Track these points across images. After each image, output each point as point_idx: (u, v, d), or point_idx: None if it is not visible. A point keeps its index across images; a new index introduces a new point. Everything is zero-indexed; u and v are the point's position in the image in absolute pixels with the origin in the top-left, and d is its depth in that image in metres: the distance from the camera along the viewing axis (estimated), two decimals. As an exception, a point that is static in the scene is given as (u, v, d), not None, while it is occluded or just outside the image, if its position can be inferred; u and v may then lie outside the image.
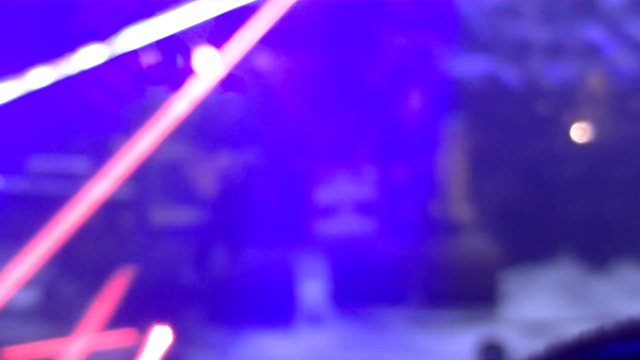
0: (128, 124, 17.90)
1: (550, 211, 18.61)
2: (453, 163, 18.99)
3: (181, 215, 17.98)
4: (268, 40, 17.23)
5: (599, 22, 21.12)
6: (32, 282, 16.65)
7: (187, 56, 14.18)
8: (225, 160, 17.59)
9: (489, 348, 15.38)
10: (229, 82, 14.62)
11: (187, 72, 14.64)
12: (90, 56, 14.78)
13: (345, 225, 18.66)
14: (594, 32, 20.81)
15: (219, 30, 14.23)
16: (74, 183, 17.17)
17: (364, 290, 17.18)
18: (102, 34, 14.99)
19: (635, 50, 20.76)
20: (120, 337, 15.00)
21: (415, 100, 18.57)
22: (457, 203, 19.08)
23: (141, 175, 18.00)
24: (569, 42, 20.83)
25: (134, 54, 14.24)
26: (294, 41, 18.97)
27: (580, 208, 18.57)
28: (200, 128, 17.86)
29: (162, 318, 14.86)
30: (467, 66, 20.62)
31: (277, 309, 16.57)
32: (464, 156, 19.05)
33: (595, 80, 19.38)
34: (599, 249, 18.41)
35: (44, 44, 15.19)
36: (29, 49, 15.57)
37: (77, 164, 17.65)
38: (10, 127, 15.47)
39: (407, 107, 18.59)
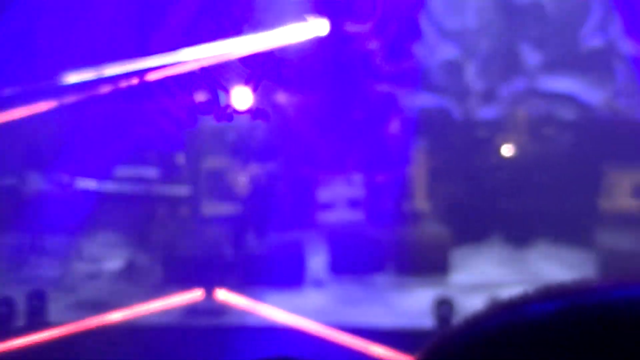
0: (185, 142, 19.01)
1: (486, 206, 19.27)
2: (417, 172, 19.68)
3: (223, 209, 18.60)
4: (285, 81, 18.40)
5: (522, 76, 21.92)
6: (118, 256, 17.70)
7: (227, 93, 15.52)
8: (254, 169, 18.24)
9: (442, 303, 15.42)
10: (257, 113, 15.85)
11: (227, 105, 15.95)
12: (160, 92, 16.10)
13: (340, 215, 19.26)
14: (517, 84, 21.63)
15: (251, 74, 15.55)
16: (147, 185, 18.16)
17: (353, 262, 17.50)
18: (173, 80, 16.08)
19: (546, 96, 21.61)
20: (181, 296, 15.79)
21: (391, 127, 19.37)
22: (420, 200, 19.66)
23: (195, 179, 18.99)
24: (499, 89, 21.70)
25: (190, 92, 15.60)
26: (302, 84, 19.95)
27: (507, 203, 19.15)
28: (237, 146, 18.62)
29: (209, 283, 15.94)
30: (428, 104, 21.48)
31: (291, 276, 16.91)
32: (425, 167, 19.72)
33: (517, 115, 20.14)
34: (521, 232, 18.93)
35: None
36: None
37: (149, 171, 18.43)
38: (103, 147, 16.57)
39: (385, 132, 19.40)
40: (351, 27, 20.30)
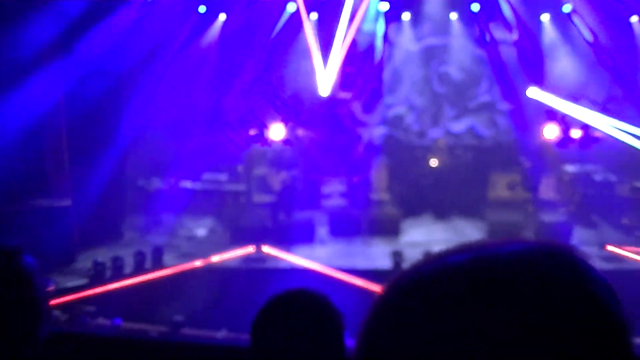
0: (243, 158, 19.41)
1: (421, 195, 19.69)
2: (379, 176, 19.82)
3: (265, 198, 18.71)
4: (303, 122, 18.67)
5: (441, 120, 22.40)
6: (204, 226, 18.21)
7: (268, 129, 15.82)
8: (283, 175, 18.49)
9: (395, 254, 15.54)
10: (286, 141, 16.37)
11: (268, 136, 16.19)
12: (228, 127, 15.80)
13: (335, 202, 19.56)
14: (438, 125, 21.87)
15: (283, 117, 15.80)
16: (220, 184, 18.74)
17: (343, 229, 17.63)
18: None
19: (456, 131, 21.82)
20: (241, 250, 16.20)
21: (363, 148, 19.98)
22: (381, 192, 19.73)
23: (248, 180, 19.16)
24: (428, 127, 21.71)
25: (246, 128, 15.65)
26: (313, 124, 20.48)
27: (434, 193, 19.59)
28: (273, 160, 19.07)
29: (258, 242, 16.31)
30: (387, 135, 21.69)
31: (306, 238, 17.25)
32: (384, 173, 19.97)
33: (439, 142, 20.38)
34: (443, 210, 19.33)
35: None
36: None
37: (222, 176, 18.87)
38: (195, 161, 16.59)
39: (360, 152, 19.99)
40: (341, 94, 20.98)
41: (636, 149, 18.56)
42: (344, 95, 21.28)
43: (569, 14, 20.01)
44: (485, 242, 1.25)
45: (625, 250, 15.83)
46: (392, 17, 21.08)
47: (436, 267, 1.20)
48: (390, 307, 1.18)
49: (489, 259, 1.17)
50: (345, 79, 21.15)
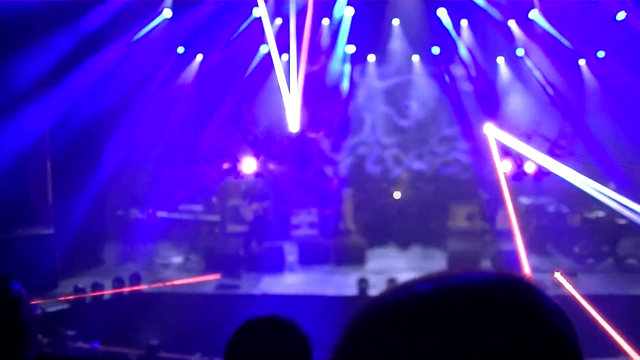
0: (217, 190, 19.72)
1: (386, 225, 19.89)
2: (347, 207, 20.18)
3: (238, 228, 18.89)
4: (274, 156, 18.98)
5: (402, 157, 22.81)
6: (179, 255, 18.52)
7: (240, 162, 16.15)
8: (256, 206, 18.92)
9: (361, 281, 15.73)
10: (258, 174, 16.81)
11: (240, 170, 16.56)
12: (203, 161, 16.33)
13: (304, 232, 19.70)
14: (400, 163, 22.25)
15: (255, 152, 16.14)
16: (196, 215, 18.90)
17: (312, 258, 17.78)
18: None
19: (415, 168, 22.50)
20: (214, 277, 16.40)
21: (332, 182, 20.45)
22: (349, 222, 20.13)
23: (223, 211, 19.43)
24: (391, 165, 22.14)
25: (220, 162, 16.07)
26: (284, 159, 20.95)
27: (398, 223, 19.82)
28: (246, 192, 19.30)
29: (231, 269, 16.55)
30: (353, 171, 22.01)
31: (276, 266, 17.42)
32: (351, 204, 20.35)
33: (402, 176, 20.97)
34: (406, 240, 19.50)
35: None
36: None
37: (197, 207, 19.15)
38: (171, 192, 16.98)
39: (329, 185, 20.45)
40: (310, 134, 21.49)
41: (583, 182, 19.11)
42: (313, 135, 21.87)
43: (522, 57, 21.02)
44: (448, 272, 1.29)
45: (576, 277, 16.29)
46: (358, 58, 21.89)
47: (402, 295, 1.23)
48: (359, 334, 1.20)
49: (451, 288, 1.21)
50: (314, 118, 21.84)
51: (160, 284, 16.20)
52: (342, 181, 20.94)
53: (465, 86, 22.05)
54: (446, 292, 1.20)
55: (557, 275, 16.12)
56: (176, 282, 16.34)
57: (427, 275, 1.28)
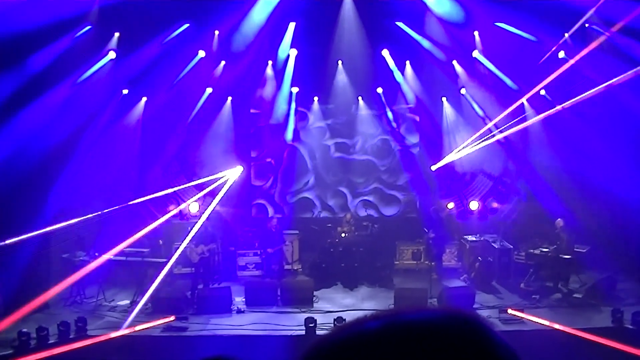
0: (163, 232, 19.61)
1: (331, 265, 19.84)
2: (292, 247, 20.50)
3: (185, 270, 19.41)
4: (221, 199, 18.71)
5: (350, 196, 23.27)
6: (126, 297, 18.39)
7: (187, 205, 15.78)
8: (202, 248, 18.54)
9: (309, 321, 15.60)
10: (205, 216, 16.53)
11: (187, 212, 16.15)
12: (149, 206, 16.22)
13: (251, 273, 20.11)
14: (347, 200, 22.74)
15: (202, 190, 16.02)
16: (143, 257, 18.61)
17: (258, 299, 17.70)
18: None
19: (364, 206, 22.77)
20: (162, 319, 16.33)
21: (275, 223, 20.57)
22: (295, 263, 20.60)
23: (169, 253, 19.47)
24: (336, 203, 22.76)
25: (166, 205, 15.87)
26: (229, 202, 20.96)
27: (344, 263, 19.74)
28: (192, 234, 19.10)
29: (179, 312, 16.58)
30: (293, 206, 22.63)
31: (224, 307, 17.28)
32: (297, 244, 20.73)
33: (347, 216, 21.12)
34: (352, 279, 19.54)
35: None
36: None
37: (144, 249, 19.00)
38: (117, 235, 16.77)
39: (272, 226, 20.34)
40: (255, 182, 21.77)
41: (529, 218, 19.61)
42: (258, 183, 22.49)
43: (465, 96, 21.79)
44: (397, 309, 1.34)
45: (522, 312, 16.59)
46: (303, 98, 22.51)
47: (352, 333, 1.27)
48: None
49: (400, 325, 1.26)
50: (259, 166, 22.54)
51: (115, 333, 16.04)
52: (287, 222, 21.20)
53: (410, 125, 22.84)
54: (395, 329, 1.26)
55: (510, 311, 16.49)
56: (123, 330, 16.21)
57: (377, 313, 1.34)
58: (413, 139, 23.03)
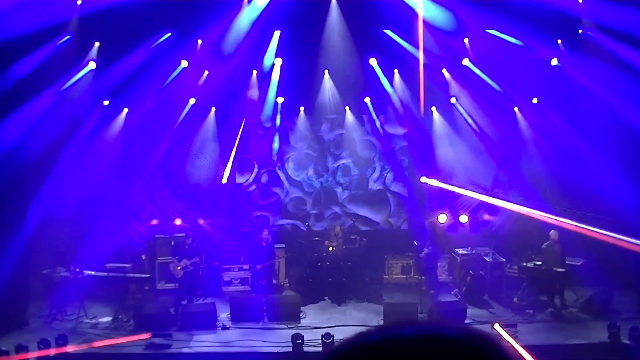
0: (147, 247, 19.91)
1: (319, 280, 20.13)
2: (279, 262, 20.70)
3: (168, 285, 19.71)
4: (203, 211, 18.93)
5: (337, 206, 23.40)
6: (108, 314, 18.45)
7: (172, 220, 15.98)
8: (185, 262, 18.78)
9: (296, 337, 15.81)
10: (189, 230, 16.82)
11: (172, 225, 16.49)
12: (131, 219, 16.56)
13: (237, 288, 20.38)
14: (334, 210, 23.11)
15: (183, 209, 16.26)
16: (125, 272, 18.81)
17: (244, 314, 17.93)
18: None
19: (351, 216, 23.21)
20: (144, 336, 16.50)
21: (263, 235, 20.31)
22: (282, 278, 20.85)
23: (152, 268, 19.96)
24: (325, 213, 23.28)
25: (150, 219, 16.21)
26: (214, 212, 21.20)
27: (331, 278, 20.02)
28: (176, 249, 19.25)
29: (161, 328, 16.68)
30: (285, 222, 23.09)
31: (208, 323, 17.49)
32: (283, 258, 20.90)
33: (335, 228, 21.29)
34: (340, 295, 19.77)
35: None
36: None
37: (126, 265, 19.20)
38: (99, 250, 17.19)
39: (259, 239, 20.29)
40: (240, 178, 22.15)
41: (521, 230, 19.93)
42: (242, 179, 22.86)
43: (455, 106, 22.16)
44: (386, 325, 1.42)
45: (514, 328, 16.87)
46: (288, 109, 22.90)
47: (352, 349, 1.34)
48: None
49: (397, 339, 1.35)
50: (240, 160, 22.83)
51: (88, 345, 16.34)
52: (274, 236, 21.35)
53: (399, 136, 23.35)
54: (389, 343, 1.32)
55: (496, 327, 16.66)
56: (105, 343, 16.45)
57: (373, 327, 1.42)
58: (401, 150, 23.56)
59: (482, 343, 1.39)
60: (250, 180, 23.40)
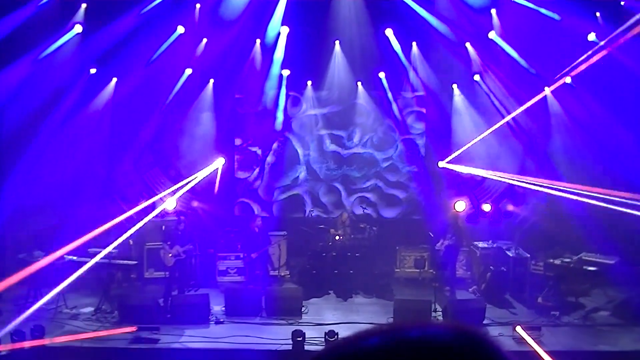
0: (134, 232, 19.79)
1: (324, 272, 19.99)
2: (279, 250, 20.70)
3: (157, 274, 19.64)
4: (198, 194, 18.80)
5: (345, 194, 23.36)
6: (90, 304, 18.54)
7: (162, 201, 15.90)
8: (177, 249, 18.61)
9: (297, 334, 15.59)
10: (179, 213, 16.67)
11: (159, 209, 16.26)
12: (120, 201, 16.31)
13: (232, 278, 20.27)
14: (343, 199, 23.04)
15: (176, 189, 16.11)
16: (110, 259, 18.76)
17: (240, 308, 17.79)
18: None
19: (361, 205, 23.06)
20: (130, 329, 16.34)
21: (257, 222, 20.57)
22: (281, 268, 20.77)
23: (140, 255, 19.88)
24: (333, 201, 23.03)
25: (138, 200, 15.98)
26: (208, 197, 21.17)
27: (338, 270, 19.88)
28: (167, 234, 19.22)
29: (149, 321, 16.59)
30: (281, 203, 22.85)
31: (201, 316, 17.39)
32: (284, 247, 20.88)
33: (343, 216, 21.25)
34: (346, 288, 19.68)
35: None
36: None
37: (111, 250, 18.82)
38: (81, 232, 16.90)
39: (255, 224, 20.49)
40: (241, 174, 21.98)
41: (548, 223, 19.63)
42: (242, 175, 22.87)
43: (479, 84, 21.92)
44: (396, 325, 1.35)
45: (538, 331, 16.51)
46: (294, 83, 22.68)
47: (353, 351, 1.29)
48: None
49: (404, 343, 1.28)
50: (244, 156, 22.84)
51: (67, 338, 16.09)
52: (273, 221, 21.45)
53: (415, 116, 23.05)
54: (397, 348, 1.27)
55: (518, 329, 16.37)
56: (85, 336, 16.20)
57: (375, 328, 1.35)
58: (419, 131, 23.25)
59: (474, 344, 1.32)
60: (255, 174, 23.30)
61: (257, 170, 23.40)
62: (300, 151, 23.52)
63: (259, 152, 23.39)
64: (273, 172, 23.38)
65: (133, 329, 16.57)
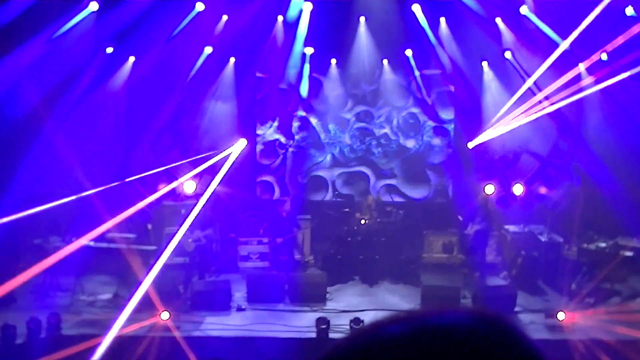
0: (153, 216, 19.73)
1: (349, 257, 20.00)
2: (303, 235, 20.63)
3: (177, 259, 19.19)
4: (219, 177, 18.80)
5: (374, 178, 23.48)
6: (108, 291, 18.70)
7: (181, 184, 15.89)
8: (198, 234, 18.88)
9: (321, 321, 15.74)
10: (199, 196, 16.56)
11: (181, 192, 16.19)
12: (139, 185, 16.16)
13: (254, 264, 20.36)
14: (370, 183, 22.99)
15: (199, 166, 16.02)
16: (128, 243, 18.56)
17: (263, 294, 17.83)
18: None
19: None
20: (149, 317, 16.30)
21: (285, 205, 20.78)
22: (306, 253, 20.74)
23: (159, 240, 19.73)
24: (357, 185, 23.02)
25: (156, 185, 15.99)
26: (229, 179, 21.18)
27: (363, 255, 19.93)
28: (186, 218, 18.99)
29: (169, 308, 16.51)
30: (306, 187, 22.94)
31: (222, 303, 17.44)
32: (309, 232, 20.87)
33: (368, 199, 21.19)
34: (372, 274, 19.63)
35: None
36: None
37: (130, 235, 19.06)
38: (99, 218, 16.84)
39: (281, 209, 20.66)
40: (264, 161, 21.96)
41: (582, 207, 19.49)
42: (266, 162, 22.86)
43: (510, 61, 21.63)
44: (420, 311, 1.36)
45: (573, 318, 16.52)
46: (318, 62, 22.58)
47: (370, 339, 1.30)
48: None
49: (424, 331, 1.29)
50: (267, 144, 22.86)
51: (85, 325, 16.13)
52: (299, 205, 21.28)
53: (443, 95, 22.88)
54: (420, 335, 1.28)
55: (556, 316, 16.44)
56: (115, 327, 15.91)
57: (398, 315, 1.36)
58: (446, 111, 23.08)
59: (496, 329, 1.32)
60: (279, 161, 23.29)
61: (280, 157, 23.36)
62: (323, 134, 23.40)
63: (283, 139, 23.31)
64: (296, 156, 23.30)
65: (152, 317, 16.43)
